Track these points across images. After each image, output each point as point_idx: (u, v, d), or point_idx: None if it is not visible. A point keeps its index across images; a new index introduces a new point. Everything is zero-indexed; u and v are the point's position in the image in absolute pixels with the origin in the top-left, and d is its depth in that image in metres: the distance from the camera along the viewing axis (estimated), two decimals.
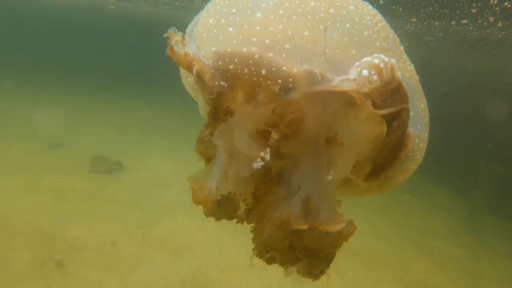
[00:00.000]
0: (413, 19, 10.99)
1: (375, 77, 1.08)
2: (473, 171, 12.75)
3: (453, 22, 10.43)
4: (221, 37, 1.16)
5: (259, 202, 1.26)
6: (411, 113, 1.20)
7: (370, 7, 1.26)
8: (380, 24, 1.23)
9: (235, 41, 1.13)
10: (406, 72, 1.26)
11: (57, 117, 14.19)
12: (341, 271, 6.75)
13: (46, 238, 6.40)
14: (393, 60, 1.12)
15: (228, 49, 1.13)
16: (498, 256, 9.19)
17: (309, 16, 1.14)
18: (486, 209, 11.44)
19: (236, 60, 1.11)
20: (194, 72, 1.17)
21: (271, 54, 1.09)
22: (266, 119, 1.22)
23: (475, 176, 12.49)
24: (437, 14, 9.86)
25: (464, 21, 10.03)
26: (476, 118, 14.00)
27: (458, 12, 9.27)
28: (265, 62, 1.09)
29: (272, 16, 1.13)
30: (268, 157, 1.29)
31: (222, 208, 1.36)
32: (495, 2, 7.94)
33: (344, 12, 1.17)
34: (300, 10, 1.14)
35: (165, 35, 1.25)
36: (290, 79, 1.08)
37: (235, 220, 1.42)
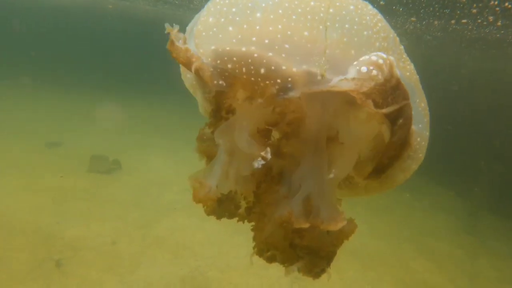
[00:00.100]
0: (413, 19, 11.00)
1: (374, 72, 1.08)
2: (473, 171, 12.76)
3: (453, 22, 10.44)
4: (220, 36, 1.17)
5: (260, 200, 1.26)
6: (413, 112, 1.21)
7: (370, 6, 1.27)
8: (380, 24, 1.23)
9: (234, 40, 1.13)
10: (406, 72, 1.26)
11: (57, 117, 14.22)
12: (341, 270, 6.76)
13: (46, 238, 6.40)
14: (391, 57, 1.12)
15: (227, 48, 1.13)
16: (498, 256, 9.20)
17: (308, 16, 1.14)
18: (486, 209, 11.45)
19: (234, 59, 1.11)
20: (192, 69, 1.17)
21: (270, 54, 1.09)
22: (266, 118, 1.22)
23: (475, 175, 12.50)
24: (437, 13, 9.87)
25: (464, 21, 10.04)
26: (476, 117, 14.01)
27: (458, 12, 9.28)
28: (264, 61, 1.09)
29: (271, 16, 1.14)
30: (269, 156, 1.29)
31: (222, 206, 1.36)
32: (496, 2, 7.95)
33: (343, 12, 1.18)
34: (299, 10, 1.15)
35: (166, 30, 1.25)
36: (289, 79, 1.08)
37: (234, 220, 1.42)
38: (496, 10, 8.58)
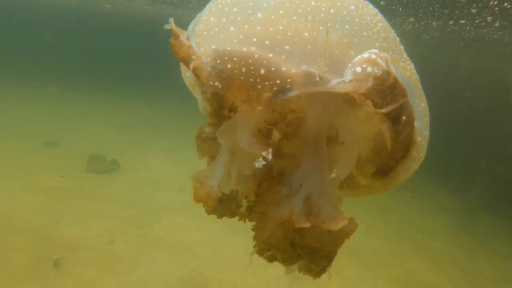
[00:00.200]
0: (411, 19, 11.01)
1: (369, 68, 1.09)
2: (472, 171, 12.78)
3: (451, 22, 10.45)
4: (221, 35, 1.17)
5: (261, 200, 1.27)
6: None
7: (370, 6, 1.27)
8: (380, 24, 1.23)
9: (235, 40, 1.14)
10: (406, 72, 1.27)
11: (57, 117, 14.20)
12: (340, 270, 6.76)
13: (44, 238, 6.39)
14: (386, 54, 1.12)
15: (228, 48, 1.13)
16: (497, 256, 9.22)
17: (309, 17, 1.14)
18: (485, 208, 11.46)
19: (235, 59, 1.12)
20: (191, 67, 1.17)
21: (271, 55, 1.10)
22: (266, 117, 1.22)
23: (474, 175, 12.52)
24: (436, 14, 9.88)
25: (462, 21, 10.05)
26: (475, 117, 14.04)
27: (457, 12, 9.29)
28: (264, 62, 1.09)
29: (272, 17, 1.14)
30: (269, 156, 1.29)
31: (224, 205, 1.36)
32: (495, 2, 7.96)
33: (344, 13, 1.18)
34: (300, 10, 1.15)
35: (168, 27, 1.23)
36: (289, 80, 1.09)
37: (234, 219, 1.42)
38: (495, 10, 8.60)
